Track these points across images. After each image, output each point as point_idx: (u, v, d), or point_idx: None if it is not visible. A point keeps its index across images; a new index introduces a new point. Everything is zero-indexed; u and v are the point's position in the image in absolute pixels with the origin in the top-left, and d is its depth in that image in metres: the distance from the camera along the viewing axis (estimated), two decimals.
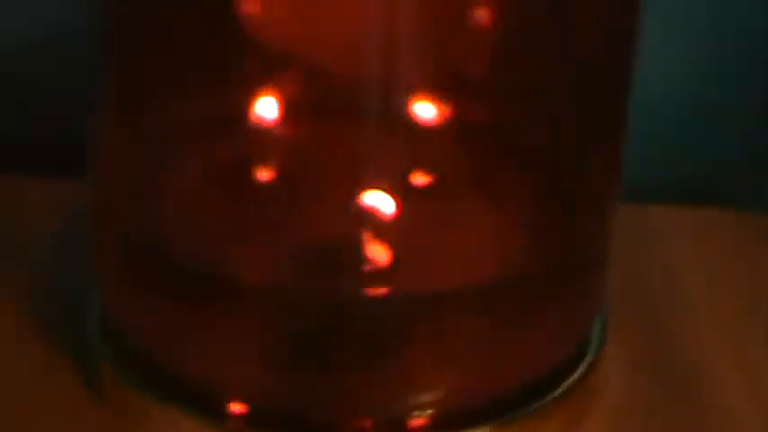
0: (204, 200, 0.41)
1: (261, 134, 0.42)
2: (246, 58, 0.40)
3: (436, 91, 0.41)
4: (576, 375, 0.42)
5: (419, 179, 0.41)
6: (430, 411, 0.39)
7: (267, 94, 0.41)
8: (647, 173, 0.57)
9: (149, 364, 0.40)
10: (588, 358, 0.43)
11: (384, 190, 0.40)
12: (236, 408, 0.39)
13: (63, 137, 0.51)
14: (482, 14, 0.40)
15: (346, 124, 0.39)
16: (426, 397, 0.39)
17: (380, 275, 0.39)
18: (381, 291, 0.38)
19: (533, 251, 0.40)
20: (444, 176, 0.41)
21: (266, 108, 0.41)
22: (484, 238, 0.40)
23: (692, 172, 0.58)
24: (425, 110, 0.41)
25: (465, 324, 0.38)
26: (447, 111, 0.41)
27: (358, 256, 0.39)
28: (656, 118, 0.57)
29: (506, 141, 0.43)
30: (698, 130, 0.58)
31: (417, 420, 0.39)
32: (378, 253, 0.39)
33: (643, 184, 0.57)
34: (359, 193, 0.39)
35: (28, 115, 0.57)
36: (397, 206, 0.40)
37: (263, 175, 0.41)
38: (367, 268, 0.39)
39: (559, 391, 0.41)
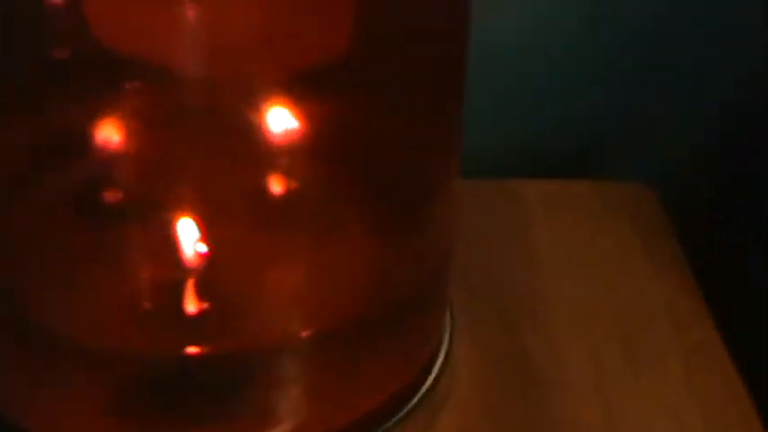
0: (38, 242, 0.40)
1: (100, 157, 0.41)
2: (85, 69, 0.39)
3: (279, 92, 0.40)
4: (423, 389, 0.42)
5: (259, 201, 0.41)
6: None
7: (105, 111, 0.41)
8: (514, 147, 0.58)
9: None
10: (436, 366, 0.43)
11: (223, 220, 0.40)
12: None
13: None
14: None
15: (182, 139, 0.39)
16: None
17: (210, 325, 0.39)
18: (210, 342, 0.39)
19: (373, 282, 0.41)
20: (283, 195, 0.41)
21: (107, 129, 0.41)
22: (321, 276, 0.40)
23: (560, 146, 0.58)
24: (272, 117, 0.41)
25: (300, 369, 0.39)
26: (291, 117, 0.41)
27: (192, 305, 0.39)
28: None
29: (348, 146, 0.43)
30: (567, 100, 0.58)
31: None
32: (209, 299, 0.39)
33: (510, 158, 0.58)
34: (192, 231, 0.39)
35: None
36: (236, 239, 0.40)
37: (102, 203, 0.41)
38: (200, 320, 0.39)
39: (408, 407, 0.42)
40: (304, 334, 0.39)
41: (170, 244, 0.39)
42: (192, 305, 0.39)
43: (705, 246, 0.53)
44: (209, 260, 0.39)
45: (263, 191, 0.41)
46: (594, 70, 0.57)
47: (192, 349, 0.38)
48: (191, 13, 0.37)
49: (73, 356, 0.38)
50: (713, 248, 0.55)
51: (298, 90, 0.39)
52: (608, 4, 0.55)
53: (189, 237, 0.39)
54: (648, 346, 0.47)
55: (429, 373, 0.43)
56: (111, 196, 0.41)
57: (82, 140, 0.40)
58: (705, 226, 0.56)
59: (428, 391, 0.43)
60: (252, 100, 0.39)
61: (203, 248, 0.39)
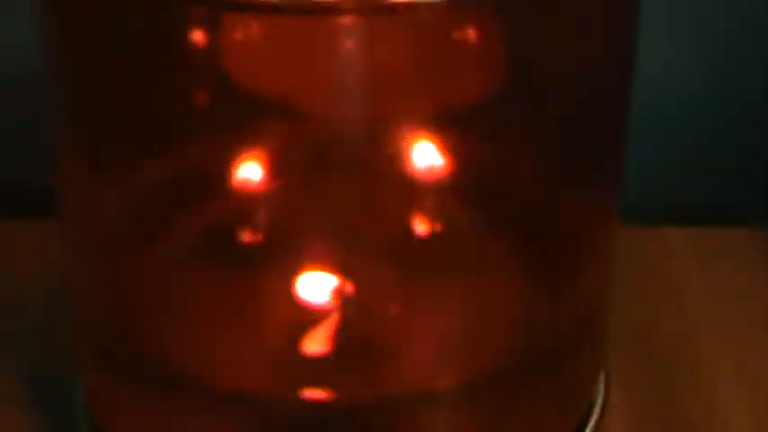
0: (176, 285, 0.40)
1: (240, 198, 0.40)
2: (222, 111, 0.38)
3: (426, 131, 0.38)
4: None
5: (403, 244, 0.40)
6: None
7: (245, 152, 0.40)
8: (657, 194, 0.55)
9: None
10: (590, 425, 0.41)
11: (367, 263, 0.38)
12: None
13: None
14: (470, 45, 0.38)
15: (326, 179, 0.38)
16: None
17: (352, 374, 0.37)
18: (351, 392, 0.37)
19: (522, 330, 0.39)
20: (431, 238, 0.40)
21: (245, 168, 0.40)
22: (466, 322, 0.38)
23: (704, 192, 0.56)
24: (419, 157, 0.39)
25: (449, 419, 0.37)
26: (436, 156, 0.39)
27: (331, 351, 0.37)
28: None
29: (498, 189, 0.41)
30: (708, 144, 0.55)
31: None
32: (350, 347, 0.37)
33: (655, 206, 0.55)
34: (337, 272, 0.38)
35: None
36: (379, 285, 0.38)
37: (240, 244, 0.40)
38: (339, 366, 0.38)
39: None
40: (447, 385, 0.37)
41: (308, 289, 0.38)
42: (330, 351, 0.38)
43: None
44: (350, 304, 0.37)
45: (408, 232, 0.40)
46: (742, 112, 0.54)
47: (330, 397, 0.37)
48: (337, 54, 0.35)
49: (212, 403, 0.37)
50: None
51: (446, 129, 0.38)
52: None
53: (329, 282, 0.38)
54: None
55: (585, 426, 0.40)
56: (248, 238, 0.40)
57: (219, 182, 0.39)
58: None
59: None
60: (398, 139, 0.38)
61: (344, 292, 0.37)
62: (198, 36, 0.36)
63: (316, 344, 0.37)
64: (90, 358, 0.40)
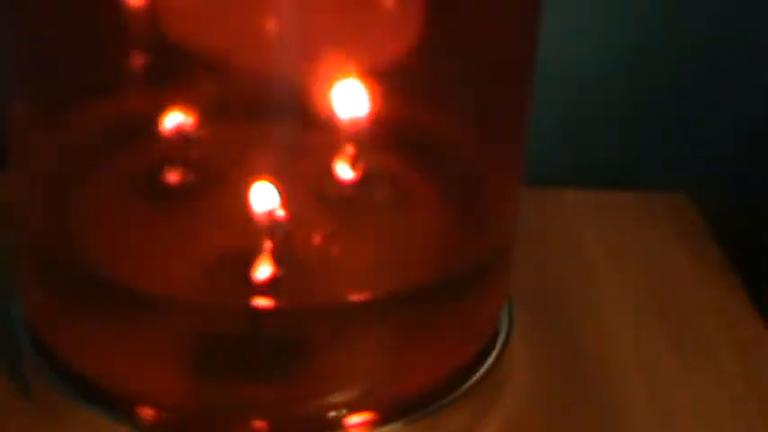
0: (114, 206, 0.43)
1: (174, 139, 0.43)
2: (161, 59, 0.41)
3: (350, 84, 0.41)
4: (482, 369, 0.43)
5: (330, 183, 0.43)
6: (343, 411, 0.41)
7: (181, 98, 0.42)
8: (561, 157, 0.59)
9: (73, 371, 0.41)
10: (494, 352, 0.44)
11: (296, 195, 0.41)
12: (148, 412, 0.41)
13: None
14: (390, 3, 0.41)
15: (257, 125, 0.41)
16: (336, 398, 0.41)
17: (282, 286, 0.40)
18: (283, 301, 0.40)
19: (437, 255, 0.42)
20: (355, 179, 0.43)
21: (180, 112, 0.43)
22: (389, 244, 0.41)
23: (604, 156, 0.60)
24: (337, 107, 0.42)
25: (367, 333, 0.40)
26: (360, 105, 0.42)
27: (263, 265, 0.40)
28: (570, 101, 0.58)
29: (417, 137, 0.44)
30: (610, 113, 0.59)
31: (331, 420, 0.41)
32: (282, 262, 0.40)
33: (558, 168, 0.59)
34: (267, 199, 0.41)
35: None
36: (308, 212, 0.41)
37: (175, 181, 0.43)
38: (270, 279, 0.40)
39: (467, 385, 0.43)
40: (367, 298, 0.40)
41: (245, 212, 0.41)
42: (263, 264, 0.40)
43: (746, 250, 0.54)
44: (282, 227, 0.40)
45: (333, 172, 0.43)
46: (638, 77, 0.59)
47: (261, 304, 0.39)
48: (266, 13, 0.39)
49: (146, 309, 0.40)
50: (756, 253, 0.56)
51: (368, 82, 0.41)
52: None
53: (263, 205, 0.41)
54: (698, 342, 0.48)
55: (488, 355, 0.44)
56: (179, 177, 0.43)
57: (152, 126, 0.42)
58: (744, 231, 0.58)
59: (486, 371, 0.43)
60: (323, 91, 0.41)
61: (276, 215, 0.40)
62: None
63: (244, 259, 0.40)
64: (30, 275, 0.43)
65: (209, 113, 0.43)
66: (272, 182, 0.41)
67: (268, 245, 0.40)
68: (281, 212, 0.40)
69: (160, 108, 0.42)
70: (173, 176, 0.43)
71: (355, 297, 0.40)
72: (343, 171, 0.43)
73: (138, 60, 0.42)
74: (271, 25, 0.39)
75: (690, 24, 0.58)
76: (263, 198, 0.40)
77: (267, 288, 0.40)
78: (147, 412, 0.41)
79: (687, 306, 0.50)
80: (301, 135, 0.42)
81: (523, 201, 0.53)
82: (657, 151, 0.60)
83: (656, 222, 0.55)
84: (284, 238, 0.40)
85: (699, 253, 0.53)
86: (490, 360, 0.44)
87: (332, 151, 0.43)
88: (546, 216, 0.54)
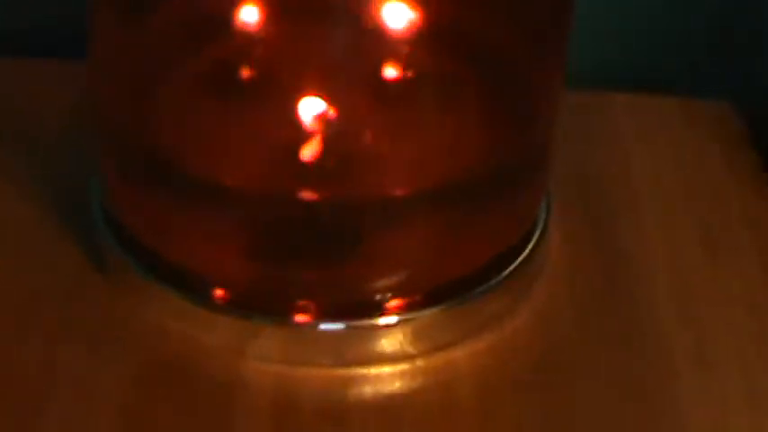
0: (189, 103, 0.46)
1: (241, 38, 0.46)
2: None
3: None
4: (518, 260, 0.47)
5: (381, 81, 0.46)
6: (387, 295, 0.45)
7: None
8: (605, 62, 0.61)
9: (146, 250, 0.46)
10: (531, 244, 0.48)
11: (351, 92, 0.45)
12: (218, 292, 0.45)
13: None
14: None
15: (316, 25, 0.44)
16: (381, 283, 0.44)
17: (333, 178, 0.44)
18: (333, 192, 0.44)
19: (480, 151, 0.45)
20: (405, 78, 0.46)
21: (248, 10, 0.46)
22: (434, 141, 0.45)
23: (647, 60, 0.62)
24: (389, 11, 0.45)
25: (412, 223, 0.44)
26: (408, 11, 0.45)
27: (315, 158, 0.44)
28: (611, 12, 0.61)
29: (465, 38, 0.47)
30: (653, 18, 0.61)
31: (376, 302, 0.45)
32: (333, 155, 0.44)
33: (601, 72, 0.61)
34: (321, 96, 0.44)
35: None
36: (359, 109, 0.45)
37: (243, 78, 0.46)
38: (322, 171, 0.44)
39: (503, 275, 0.47)
40: (413, 191, 0.44)
41: (299, 110, 0.44)
42: (315, 156, 0.44)
43: None
44: (334, 123, 0.44)
45: (382, 71, 0.46)
46: None
47: (312, 194, 0.43)
48: None
49: (211, 197, 0.44)
50: None
51: None
52: None
53: (316, 105, 0.44)
54: (726, 243, 0.51)
55: (525, 246, 0.48)
56: (248, 73, 0.46)
57: (224, 25, 0.45)
58: None
59: (522, 262, 0.47)
60: None
61: (328, 114, 0.44)
62: None
63: (304, 153, 0.44)
64: (109, 159, 0.47)
65: (274, 14, 0.46)
66: (326, 81, 0.44)
67: (321, 140, 0.44)
68: (332, 111, 0.44)
69: (229, 8, 0.45)
70: (239, 74, 0.46)
71: (401, 190, 0.44)
72: (394, 71, 0.46)
73: None
74: None
75: None
76: (315, 100, 0.44)
77: (319, 179, 0.44)
78: (214, 291, 0.45)
79: (722, 214, 0.52)
80: (355, 36, 0.45)
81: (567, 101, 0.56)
82: (704, 61, 0.62)
83: (699, 128, 0.57)
84: (336, 133, 0.44)
85: (739, 162, 0.55)
86: (526, 252, 0.47)
87: (384, 51, 0.46)
88: (586, 117, 0.57)
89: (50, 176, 0.51)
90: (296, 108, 0.44)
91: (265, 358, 0.45)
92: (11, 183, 0.51)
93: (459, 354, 0.45)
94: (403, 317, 0.45)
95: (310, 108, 0.44)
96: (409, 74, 0.46)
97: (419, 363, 0.45)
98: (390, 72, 0.46)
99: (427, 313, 0.45)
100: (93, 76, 0.47)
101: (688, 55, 0.62)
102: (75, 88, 0.53)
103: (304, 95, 0.44)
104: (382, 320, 0.45)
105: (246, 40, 0.46)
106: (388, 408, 0.44)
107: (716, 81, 0.61)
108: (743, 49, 0.61)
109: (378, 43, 0.45)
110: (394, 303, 0.45)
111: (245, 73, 0.46)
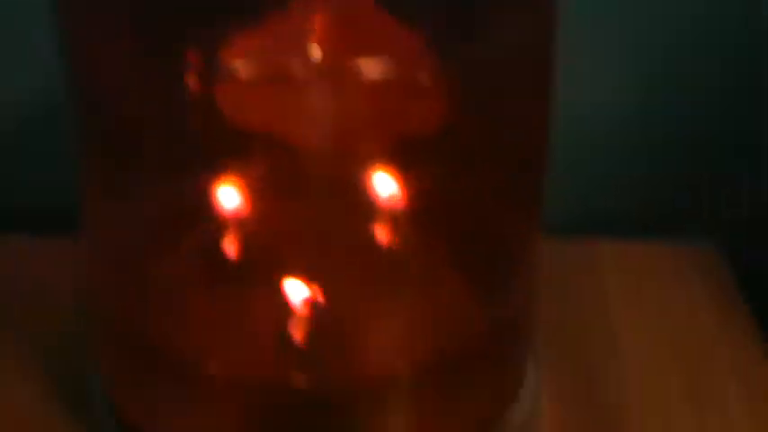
0: (176, 289, 0.47)
1: (228, 220, 0.47)
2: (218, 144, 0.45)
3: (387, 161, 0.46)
4: (510, 428, 0.48)
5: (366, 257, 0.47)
6: None
7: (233, 179, 0.46)
8: (587, 207, 0.62)
9: None
10: (523, 408, 0.48)
11: (337, 271, 0.45)
12: None
13: None
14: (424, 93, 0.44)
15: (301, 205, 0.45)
16: None
17: (320, 362, 0.45)
18: (321, 376, 0.44)
19: (464, 324, 0.46)
20: (389, 253, 0.47)
21: (232, 193, 0.47)
22: (419, 317, 0.46)
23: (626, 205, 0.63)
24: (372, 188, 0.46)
25: (402, 401, 0.45)
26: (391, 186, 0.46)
27: (302, 342, 0.45)
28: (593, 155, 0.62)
29: (444, 209, 0.48)
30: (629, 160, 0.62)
31: None
32: (319, 340, 0.45)
33: (585, 219, 0.62)
34: (308, 277, 0.45)
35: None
36: (345, 288, 0.45)
37: (228, 263, 0.47)
38: (312, 356, 0.45)
39: None
40: (399, 370, 0.44)
41: (288, 296, 0.45)
42: (304, 343, 0.45)
43: None
44: (323, 308, 0.45)
45: (371, 249, 0.47)
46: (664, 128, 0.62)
47: (304, 381, 0.44)
48: (312, 97, 0.43)
49: (202, 384, 0.44)
50: None
51: (401, 160, 0.45)
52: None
53: (304, 290, 0.45)
54: (715, 401, 0.51)
55: (516, 411, 0.48)
56: (237, 254, 0.47)
57: (211, 208, 0.46)
58: None
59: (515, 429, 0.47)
60: (362, 170, 0.45)
61: (317, 298, 0.44)
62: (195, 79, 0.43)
63: (293, 337, 0.45)
64: (106, 351, 0.48)
65: (259, 195, 0.47)
66: (313, 261, 0.45)
67: (308, 324, 0.44)
68: (319, 297, 0.44)
69: (214, 190, 0.47)
70: (225, 259, 0.47)
71: (393, 368, 0.44)
72: (378, 245, 0.47)
73: (197, 144, 0.46)
74: (311, 108, 0.43)
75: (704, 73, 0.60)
76: (301, 284, 0.45)
77: (309, 364, 0.44)
78: None
79: (712, 369, 0.53)
80: (339, 214, 0.46)
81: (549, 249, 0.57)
82: (684, 200, 0.63)
83: (683, 275, 0.58)
84: (324, 315, 0.44)
85: (726, 311, 0.56)
86: (518, 417, 0.48)
87: (367, 229, 0.47)
88: (571, 266, 0.57)
89: (53, 363, 0.52)
90: (282, 293, 0.45)
91: None
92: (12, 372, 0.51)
93: None
94: None
95: (297, 292, 0.45)
96: (395, 250, 0.46)
97: None
98: (376, 249, 0.47)
99: None
100: (85, 262, 0.47)
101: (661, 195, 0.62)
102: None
103: (290, 278, 0.45)
104: None
105: (229, 224, 0.47)
106: None
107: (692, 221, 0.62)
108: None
109: (361, 220, 0.47)
110: None
111: (232, 258, 0.47)
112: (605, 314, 0.55)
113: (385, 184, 0.46)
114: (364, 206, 0.46)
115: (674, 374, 0.52)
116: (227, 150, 0.45)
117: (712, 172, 0.62)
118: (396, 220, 0.47)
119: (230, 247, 0.47)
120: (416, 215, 0.47)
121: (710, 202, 0.63)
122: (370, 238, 0.47)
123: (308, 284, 0.45)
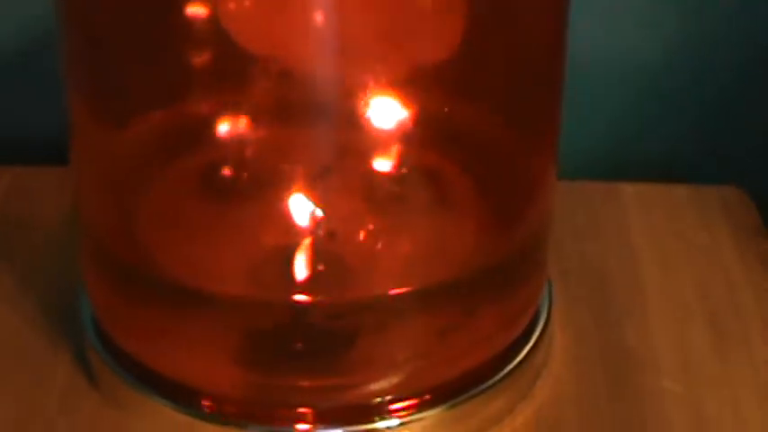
0: (171, 207, 0.45)
1: (228, 141, 0.45)
2: (219, 64, 0.43)
3: (392, 86, 0.44)
4: (520, 356, 0.46)
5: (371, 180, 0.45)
6: (386, 398, 0.43)
7: (235, 101, 0.45)
8: (610, 151, 0.60)
9: (135, 361, 0.45)
10: (533, 339, 0.47)
11: (340, 192, 0.44)
12: (210, 402, 0.43)
13: None
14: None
15: (303, 126, 0.43)
16: (378, 386, 0.43)
17: (323, 281, 0.43)
18: (324, 296, 0.43)
19: (475, 248, 0.44)
20: (396, 176, 0.45)
21: (235, 115, 0.45)
22: (428, 239, 0.44)
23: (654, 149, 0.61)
24: (378, 109, 0.44)
25: (408, 324, 0.43)
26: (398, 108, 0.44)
27: (304, 262, 0.43)
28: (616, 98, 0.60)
29: (456, 133, 0.46)
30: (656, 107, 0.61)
31: (375, 406, 0.43)
32: (323, 259, 0.43)
33: (607, 162, 0.61)
34: (310, 197, 0.43)
35: None
36: (350, 210, 0.44)
37: (227, 180, 0.45)
38: (311, 275, 0.43)
39: (504, 372, 0.45)
40: (407, 291, 0.43)
41: (291, 212, 0.43)
42: (305, 261, 0.43)
43: None
44: (323, 226, 0.43)
45: (374, 171, 0.45)
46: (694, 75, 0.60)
47: (302, 299, 0.42)
48: (318, 17, 0.41)
49: (197, 305, 0.43)
50: None
51: (409, 83, 0.43)
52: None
53: (304, 206, 0.43)
54: (736, 337, 0.49)
55: (526, 341, 0.46)
56: (235, 175, 0.45)
57: (210, 129, 0.45)
58: None
59: (524, 358, 0.46)
60: (367, 91, 0.43)
61: (317, 215, 0.43)
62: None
63: (293, 255, 0.43)
64: (93, 270, 0.46)
65: (261, 116, 0.45)
66: (315, 182, 0.43)
67: (310, 243, 0.43)
68: (320, 212, 0.43)
69: (216, 112, 0.45)
70: (226, 177, 0.46)
71: (395, 290, 0.43)
72: (385, 169, 0.45)
73: (198, 65, 0.44)
74: (316, 28, 0.42)
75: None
76: (304, 200, 0.43)
77: (308, 284, 0.42)
78: (205, 402, 0.44)
79: (734, 308, 0.51)
80: (345, 135, 0.44)
81: (574, 192, 0.56)
82: (710, 145, 0.61)
83: (707, 216, 0.56)
84: (325, 235, 0.43)
85: (750, 251, 0.54)
86: (528, 347, 0.46)
87: (373, 149, 0.45)
88: (595, 208, 0.56)
89: (41, 286, 0.51)
90: (284, 210, 0.43)
91: None
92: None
93: None
94: (404, 419, 0.44)
95: (299, 209, 0.43)
96: (400, 172, 0.45)
97: None
98: (381, 170, 0.45)
99: (428, 414, 0.44)
100: (76, 184, 0.46)
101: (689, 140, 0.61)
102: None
103: (292, 196, 0.43)
104: (383, 424, 0.43)
105: (230, 143, 0.45)
106: None
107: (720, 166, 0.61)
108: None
109: (367, 141, 0.45)
110: (394, 406, 0.43)
111: (230, 175, 0.45)
112: (629, 254, 0.53)
113: (394, 109, 0.44)
114: (368, 130, 0.44)
115: (696, 315, 0.50)
116: (226, 75, 0.44)
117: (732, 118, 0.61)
118: (402, 141, 0.45)
119: (228, 165, 0.45)
120: (424, 141, 0.45)
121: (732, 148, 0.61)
122: (375, 162, 0.45)
123: (309, 203, 0.43)
